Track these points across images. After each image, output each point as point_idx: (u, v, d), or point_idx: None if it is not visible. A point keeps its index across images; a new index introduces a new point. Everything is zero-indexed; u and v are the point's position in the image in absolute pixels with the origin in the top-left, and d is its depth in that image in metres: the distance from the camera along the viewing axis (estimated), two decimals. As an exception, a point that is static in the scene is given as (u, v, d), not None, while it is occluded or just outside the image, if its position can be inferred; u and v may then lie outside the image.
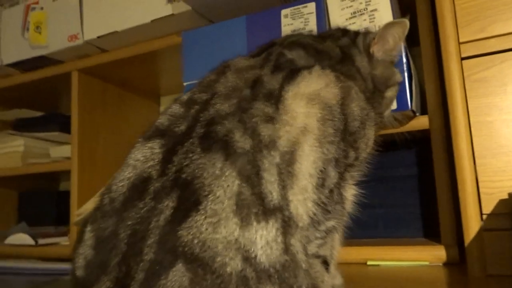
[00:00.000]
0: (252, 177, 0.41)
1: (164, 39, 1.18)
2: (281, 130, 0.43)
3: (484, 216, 0.69)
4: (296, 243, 0.42)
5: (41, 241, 1.29)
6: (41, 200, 1.62)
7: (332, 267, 0.51)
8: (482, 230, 0.68)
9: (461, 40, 0.74)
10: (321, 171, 0.45)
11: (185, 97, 0.48)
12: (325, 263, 0.49)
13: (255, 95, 0.46)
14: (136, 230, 0.39)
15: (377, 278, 0.73)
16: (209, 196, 0.39)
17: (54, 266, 1.05)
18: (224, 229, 0.38)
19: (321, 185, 0.45)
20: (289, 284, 0.40)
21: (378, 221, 0.96)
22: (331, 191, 0.47)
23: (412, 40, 0.84)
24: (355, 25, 0.83)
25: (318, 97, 0.47)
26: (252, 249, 0.39)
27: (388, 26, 0.64)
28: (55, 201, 1.58)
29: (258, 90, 0.47)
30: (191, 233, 0.38)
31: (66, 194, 1.31)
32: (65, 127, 1.40)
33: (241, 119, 0.43)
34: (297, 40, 0.61)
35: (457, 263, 0.78)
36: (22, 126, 1.50)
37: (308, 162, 0.44)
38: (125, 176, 0.43)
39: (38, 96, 1.56)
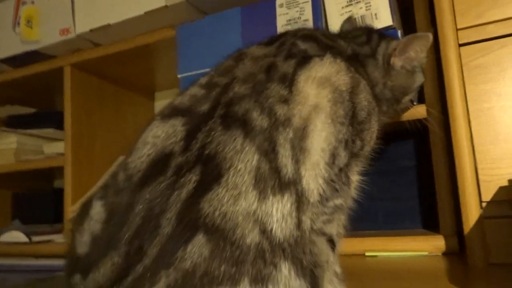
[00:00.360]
0: (269, 153, 0.43)
1: (158, 33, 1.17)
2: (295, 109, 0.45)
3: (484, 204, 0.68)
4: (307, 220, 0.43)
5: (35, 238, 1.27)
6: (36, 199, 1.61)
7: (337, 250, 0.50)
8: (482, 218, 0.68)
9: (458, 27, 0.73)
10: (333, 147, 0.46)
11: (203, 81, 0.50)
12: (331, 242, 0.48)
13: (269, 79, 0.48)
14: (154, 204, 0.40)
15: (375, 269, 0.72)
16: (231, 169, 0.41)
17: (49, 263, 1.03)
18: (244, 201, 0.40)
19: (331, 162, 0.46)
20: (300, 259, 0.41)
21: (377, 214, 0.95)
22: (340, 170, 0.48)
23: (408, 26, 0.84)
24: (351, 13, 0.82)
25: (329, 81, 0.48)
26: (269, 222, 0.40)
27: (410, 39, 0.63)
28: (50, 199, 1.57)
29: (273, 74, 0.48)
30: (213, 205, 0.39)
31: (62, 192, 1.30)
32: (59, 124, 1.38)
33: (257, 100, 0.45)
34: (310, 34, 0.61)
35: (456, 252, 0.77)
36: (15, 123, 1.48)
37: (320, 138, 0.45)
38: (144, 153, 0.44)
39: (31, 92, 1.54)
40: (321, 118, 0.46)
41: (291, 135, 0.44)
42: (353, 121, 0.50)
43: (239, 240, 0.38)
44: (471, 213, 0.68)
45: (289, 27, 0.88)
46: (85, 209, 0.45)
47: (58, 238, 1.31)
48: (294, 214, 0.42)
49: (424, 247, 0.79)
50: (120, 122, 1.48)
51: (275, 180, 0.42)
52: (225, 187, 0.40)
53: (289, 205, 0.42)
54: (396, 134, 0.75)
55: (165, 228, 0.39)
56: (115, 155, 1.33)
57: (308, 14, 0.87)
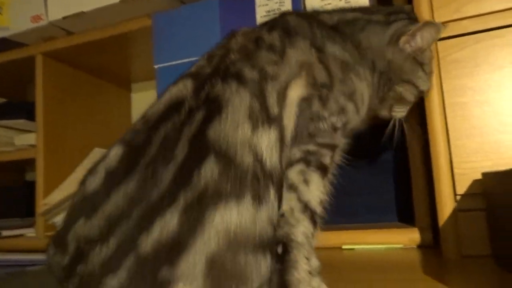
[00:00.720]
0: (259, 95, 0.52)
1: (134, 22, 1.14)
2: (282, 70, 0.56)
3: (458, 197, 0.69)
4: (283, 160, 0.52)
5: (5, 232, 1.23)
6: (7, 192, 1.55)
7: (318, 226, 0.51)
8: (456, 211, 0.68)
9: (436, 21, 0.73)
10: (307, 99, 0.56)
11: (206, 55, 0.60)
12: (310, 211, 0.50)
13: (259, 48, 0.58)
14: (169, 137, 0.48)
15: (352, 262, 0.72)
16: (229, 105, 0.50)
17: (20, 257, 1.00)
18: (241, 130, 0.48)
19: (305, 110, 0.56)
20: (280, 192, 0.50)
21: (354, 207, 0.96)
22: (312, 119, 0.55)
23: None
24: (331, 5, 0.82)
25: (309, 53, 0.59)
26: (260, 150, 0.49)
27: (422, 24, 0.65)
28: (21, 192, 1.52)
29: (261, 44, 0.59)
30: (217, 133, 0.47)
31: (33, 185, 1.26)
32: (31, 114, 1.33)
33: (249, 62, 0.55)
34: (306, 13, 0.70)
35: (431, 245, 0.78)
36: (-16, 114, 1.42)
37: (299, 90, 0.56)
38: (162, 101, 0.53)
39: (1, 82, 1.48)
40: (303, 76, 0.56)
41: (277, 86, 0.54)
42: (332, 85, 0.59)
43: (240, 163, 0.46)
44: (446, 206, 0.69)
45: (267, 19, 0.87)
46: (103, 155, 0.51)
47: (29, 232, 1.27)
48: (278, 146, 0.51)
49: (399, 240, 0.80)
50: (95, 113, 1.44)
51: (264, 115, 0.51)
52: (226, 118, 0.49)
53: (274, 137, 0.51)
54: (373, 127, 0.75)
55: (179, 155, 0.46)
56: (89, 147, 1.30)
57: (288, 5, 0.87)
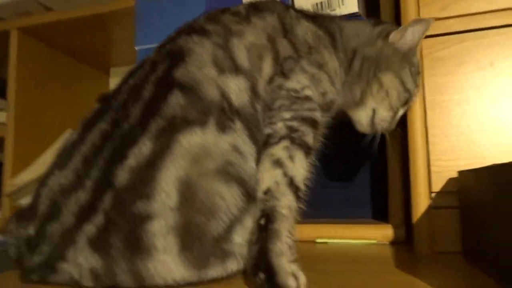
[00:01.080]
0: (223, 46, 0.56)
1: (117, 2, 1.11)
2: (247, 30, 0.60)
3: (433, 195, 0.69)
4: (259, 107, 0.56)
5: (-31, 213, 1.18)
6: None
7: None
8: (430, 208, 0.69)
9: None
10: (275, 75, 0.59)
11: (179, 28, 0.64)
12: (294, 186, 0.50)
13: (223, 12, 0.63)
14: (136, 84, 0.53)
15: (325, 255, 0.71)
16: (192, 53, 0.54)
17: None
18: (206, 70, 0.53)
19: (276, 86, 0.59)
20: (251, 128, 0.53)
21: (328, 201, 0.95)
22: (284, 94, 0.57)
23: (372, 16, 0.83)
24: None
25: (276, 27, 0.63)
26: (227, 90, 0.53)
27: (411, 21, 0.68)
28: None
29: (226, 11, 0.64)
30: (182, 72, 0.52)
31: (1, 165, 1.21)
32: (3, 92, 1.28)
33: (213, 21, 0.60)
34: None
35: (403, 241, 0.78)
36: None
37: (267, 70, 0.59)
38: (132, 67, 0.59)
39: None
40: (269, 50, 0.60)
41: (245, 43, 0.58)
42: (298, 53, 0.62)
43: (205, 95, 0.51)
44: (421, 203, 0.69)
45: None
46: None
47: (-5, 213, 1.22)
48: (249, 93, 0.55)
49: (373, 236, 0.80)
50: (71, 95, 1.40)
51: (231, 64, 0.55)
52: (189, 62, 0.53)
53: (244, 84, 0.54)
54: (349, 122, 0.74)
55: (146, 94, 0.51)
56: (62, 129, 1.25)
57: (274, -7, 0.85)
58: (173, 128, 0.47)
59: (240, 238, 0.48)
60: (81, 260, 0.44)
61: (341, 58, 0.66)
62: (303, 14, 0.69)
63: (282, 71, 0.58)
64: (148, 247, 0.43)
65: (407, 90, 0.69)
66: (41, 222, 0.48)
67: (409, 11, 0.74)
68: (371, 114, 0.70)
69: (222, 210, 0.46)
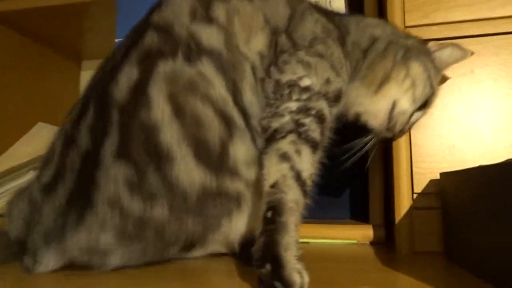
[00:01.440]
0: (204, 2, 0.62)
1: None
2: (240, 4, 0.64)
3: (415, 195, 0.71)
4: (241, 58, 0.61)
5: None
6: None
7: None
8: (412, 209, 0.70)
9: (406, 24, 0.75)
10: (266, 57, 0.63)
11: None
12: (301, 181, 0.50)
13: None
14: (118, 49, 0.61)
15: (306, 255, 0.71)
16: (170, 1, 0.61)
17: None
18: (182, 19, 0.59)
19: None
20: (223, 68, 0.57)
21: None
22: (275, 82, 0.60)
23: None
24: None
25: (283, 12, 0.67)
26: (199, 35, 0.59)
27: (456, 44, 0.70)
28: None
29: None
30: (157, 17, 0.60)
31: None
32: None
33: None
34: None
35: (383, 242, 0.80)
36: None
37: (258, 47, 0.63)
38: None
39: None
40: (265, 32, 0.63)
41: (228, 7, 0.62)
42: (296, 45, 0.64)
43: (176, 34, 0.57)
44: (403, 204, 0.71)
45: None
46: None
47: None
48: (223, 44, 0.59)
49: (354, 236, 0.81)
50: (41, 87, 1.34)
51: (204, 14, 0.60)
52: (164, 9, 0.60)
53: (218, 37, 0.59)
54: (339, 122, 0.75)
55: (127, 41, 0.60)
56: (32, 121, 1.20)
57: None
58: (152, 57, 0.55)
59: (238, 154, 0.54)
60: (114, 171, 0.49)
61: (348, 52, 0.66)
62: (316, 7, 0.71)
63: (276, 63, 0.60)
64: (167, 154, 0.50)
65: (432, 86, 0.67)
66: (52, 179, 0.53)
67: (395, 17, 0.76)
68: (391, 105, 0.66)
69: (209, 124, 0.53)
